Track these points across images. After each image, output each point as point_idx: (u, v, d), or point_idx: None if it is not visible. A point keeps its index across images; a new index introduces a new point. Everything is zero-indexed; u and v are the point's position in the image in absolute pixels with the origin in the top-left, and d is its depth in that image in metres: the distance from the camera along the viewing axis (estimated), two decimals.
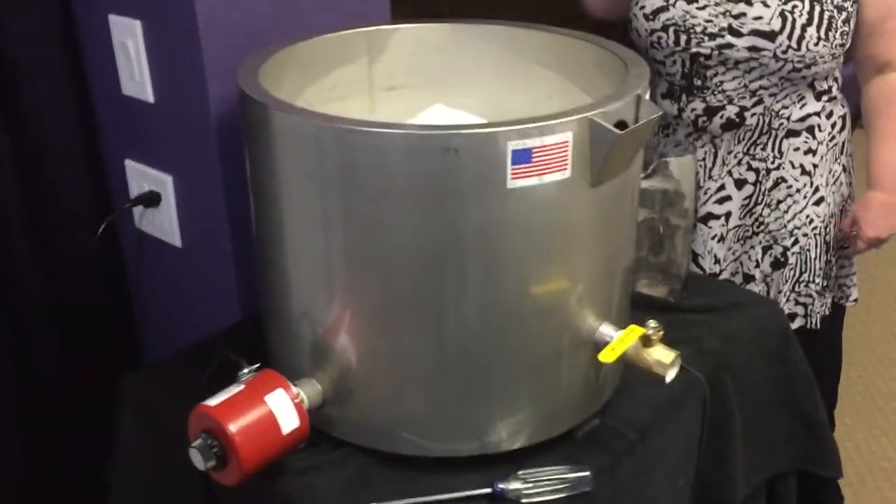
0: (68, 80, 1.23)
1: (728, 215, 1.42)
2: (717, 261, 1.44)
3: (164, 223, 1.25)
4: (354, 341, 0.89)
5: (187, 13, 1.06)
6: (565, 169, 0.81)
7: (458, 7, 1.32)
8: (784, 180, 1.39)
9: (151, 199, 1.24)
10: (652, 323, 0.90)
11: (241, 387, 0.86)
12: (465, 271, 0.83)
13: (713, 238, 1.43)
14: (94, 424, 1.30)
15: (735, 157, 1.40)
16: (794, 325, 1.43)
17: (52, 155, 1.25)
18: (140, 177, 1.24)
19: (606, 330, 0.92)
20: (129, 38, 1.14)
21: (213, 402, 0.84)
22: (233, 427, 0.82)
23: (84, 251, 1.28)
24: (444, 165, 0.78)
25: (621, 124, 0.84)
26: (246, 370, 0.89)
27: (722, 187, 1.42)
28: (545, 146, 0.79)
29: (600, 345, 0.92)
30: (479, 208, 0.80)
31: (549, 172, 0.80)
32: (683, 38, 1.34)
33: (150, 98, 1.17)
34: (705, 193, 1.43)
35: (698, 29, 1.32)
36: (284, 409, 0.86)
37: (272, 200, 0.89)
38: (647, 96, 0.88)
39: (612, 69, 1.00)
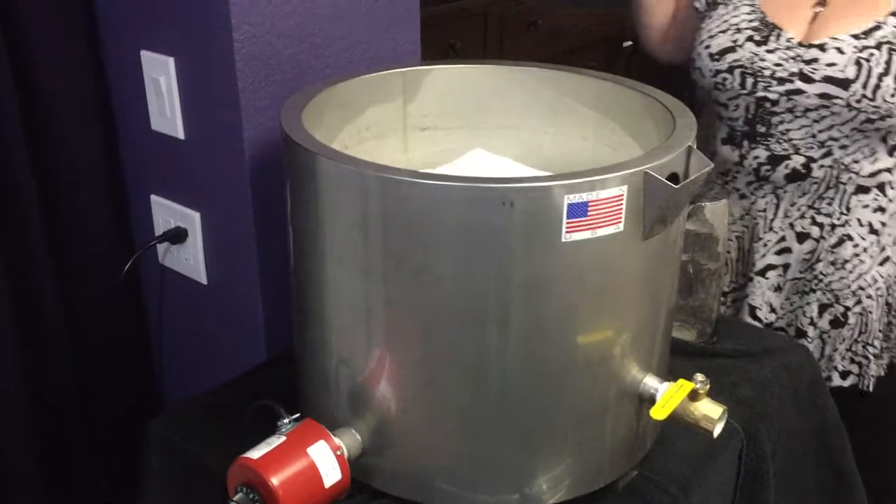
0: (97, 115, 1.21)
1: (787, 266, 1.38)
2: (772, 309, 1.41)
3: (189, 260, 1.23)
4: (395, 391, 0.88)
5: (224, 50, 1.05)
6: (619, 222, 0.80)
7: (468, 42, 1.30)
8: (850, 238, 1.35)
9: (178, 236, 1.22)
10: (699, 377, 0.89)
11: (283, 438, 0.84)
12: (512, 323, 0.82)
13: (770, 288, 1.40)
14: (111, 466, 1.28)
15: (798, 209, 1.35)
16: (847, 383, 1.41)
17: (78, 188, 1.24)
18: (166, 213, 1.23)
19: (651, 382, 0.91)
20: (161, 74, 1.13)
21: (255, 454, 0.82)
22: (276, 480, 0.80)
23: (107, 287, 1.26)
24: (498, 218, 0.77)
25: (673, 177, 0.84)
26: (286, 420, 0.87)
27: (783, 239, 1.37)
28: (601, 199, 0.78)
29: (644, 396, 0.91)
30: (530, 261, 0.79)
31: (603, 226, 0.79)
32: (750, 81, 1.30)
33: (181, 134, 1.15)
34: (765, 246, 1.39)
35: (766, 73, 1.29)
36: (327, 461, 0.84)
37: (314, 246, 0.88)
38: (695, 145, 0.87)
39: (651, 114, 0.99)
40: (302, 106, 0.94)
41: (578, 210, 0.78)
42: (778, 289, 1.39)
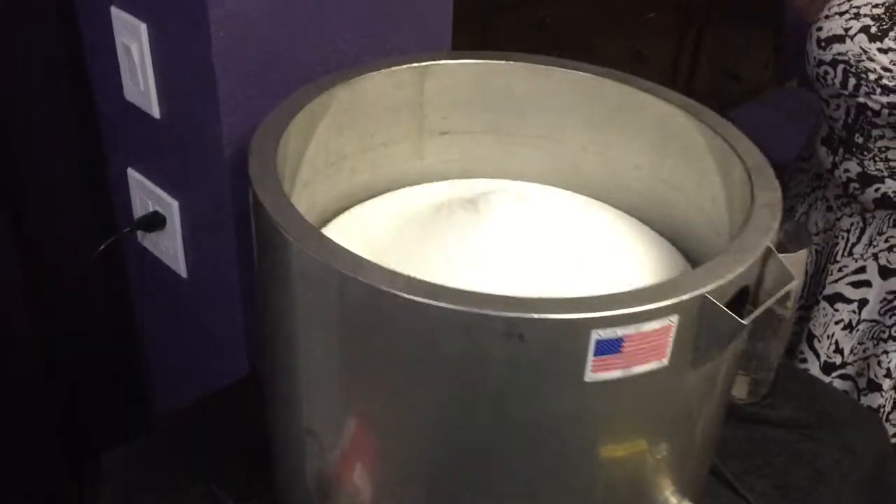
0: (67, 74, 1.03)
1: (863, 303, 1.18)
2: (838, 350, 1.21)
3: (168, 249, 1.07)
4: None
5: (199, 27, 0.85)
6: (663, 357, 0.61)
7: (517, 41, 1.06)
8: None
9: (156, 222, 1.06)
10: None
11: None
12: (515, 469, 0.65)
13: (836, 323, 1.20)
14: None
15: (886, 241, 1.15)
16: None
17: (48, 154, 1.07)
18: (144, 192, 1.06)
19: None
20: (132, 40, 0.94)
21: None
22: None
23: (82, 266, 1.11)
24: (503, 353, 0.59)
25: (743, 292, 0.64)
26: None
27: (862, 269, 1.17)
28: (641, 334, 0.59)
29: None
30: (541, 403, 0.62)
31: (642, 363, 0.61)
32: (852, 81, 1.06)
33: (156, 113, 0.97)
34: (840, 271, 1.19)
35: (872, 76, 1.04)
36: None
37: (283, 330, 0.71)
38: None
39: (722, 164, 0.78)
40: (278, 133, 0.75)
41: (609, 347, 0.59)
42: (849, 327, 1.19)
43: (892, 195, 1.11)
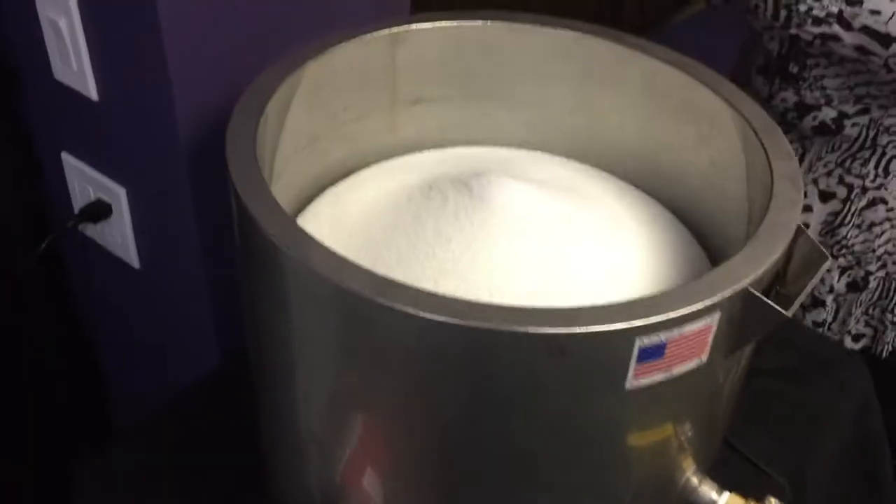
0: None
1: (805, 226, 1.19)
2: None
3: (116, 238, 0.98)
4: None
5: None
6: (702, 355, 0.58)
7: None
8: (884, 202, 1.15)
9: (100, 212, 0.97)
10: (773, 501, 0.71)
11: None
12: (540, 479, 0.62)
13: None
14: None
15: (825, 165, 1.15)
16: (859, 346, 1.25)
17: None
18: (83, 179, 0.96)
19: (707, 492, 0.72)
20: (59, 14, 0.83)
21: None
22: None
23: (15, 265, 1.02)
24: (542, 368, 0.54)
25: (776, 279, 0.61)
26: None
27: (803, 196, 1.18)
28: (683, 335, 0.56)
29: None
30: (577, 413, 0.58)
31: (682, 363, 0.57)
32: (783, 13, 1.04)
33: (93, 95, 0.87)
34: None
35: (802, 8, 1.03)
36: None
37: (276, 344, 0.65)
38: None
39: (719, 118, 0.74)
40: (255, 119, 0.67)
41: (653, 353, 0.55)
42: None
43: (829, 122, 1.11)
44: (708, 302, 0.55)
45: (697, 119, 0.78)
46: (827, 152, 1.14)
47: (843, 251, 1.19)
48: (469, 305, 0.54)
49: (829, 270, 1.22)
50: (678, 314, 0.54)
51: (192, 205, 0.89)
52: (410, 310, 0.53)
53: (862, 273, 1.20)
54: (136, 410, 1.17)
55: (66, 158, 0.97)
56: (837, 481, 1.06)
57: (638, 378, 0.56)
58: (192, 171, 0.86)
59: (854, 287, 1.22)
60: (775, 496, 0.76)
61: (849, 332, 1.26)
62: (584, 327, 0.53)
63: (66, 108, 0.92)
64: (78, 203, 0.98)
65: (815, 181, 1.17)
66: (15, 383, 1.08)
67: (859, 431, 1.04)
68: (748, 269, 0.57)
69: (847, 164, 1.14)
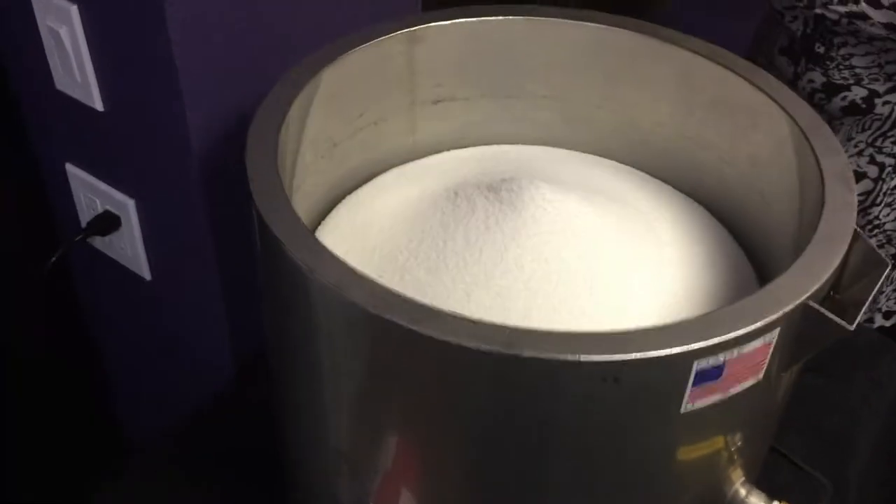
0: None
1: None
2: None
3: (126, 250, 0.95)
4: None
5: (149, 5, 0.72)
6: (759, 374, 0.55)
7: None
8: None
9: (108, 223, 0.93)
10: None
11: None
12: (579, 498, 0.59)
13: None
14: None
15: (856, 146, 1.11)
16: (889, 323, 1.23)
17: None
18: (89, 190, 0.93)
19: (755, 502, 0.70)
20: (60, 23, 0.80)
21: None
22: None
23: (24, 282, 0.98)
24: (595, 396, 0.51)
25: (833, 287, 0.58)
26: None
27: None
28: (742, 356, 0.53)
29: None
30: (628, 439, 0.55)
31: (739, 383, 0.54)
32: None
33: (98, 105, 0.83)
34: None
35: None
36: None
37: (301, 371, 0.62)
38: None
39: (759, 113, 0.71)
40: (274, 129, 0.63)
41: (710, 375, 0.52)
42: None
43: (859, 102, 1.08)
44: (768, 319, 0.52)
45: (734, 113, 0.74)
46: (857, 132, 1.11)
47: (875, 230, 1.17)
48: (515, 333, 0.50)
49: None
50: (737, 334, 0.51)
51: (205, 214, 0.86)
52: (452, 339, 0.50)
53: (893, 251, 1.18)
54: (147, 424, 1.15)
55: (71, 170, 0.93)
56: (876, 477, 1.04)
57: (693, 401, 0.53)
58: (204, 179, 0.83)
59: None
60: (821, 499, 0.74)
61: (879, 310, 1.24)
62: (640, 353, 0.50)
63: (69, 119, 0.88)
64: (85, 215, 0.94)
65: None
66: (24, 399, 1.05)
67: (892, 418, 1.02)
68: (807, 282, 0.54)
69: (878, 142, 1.11)
